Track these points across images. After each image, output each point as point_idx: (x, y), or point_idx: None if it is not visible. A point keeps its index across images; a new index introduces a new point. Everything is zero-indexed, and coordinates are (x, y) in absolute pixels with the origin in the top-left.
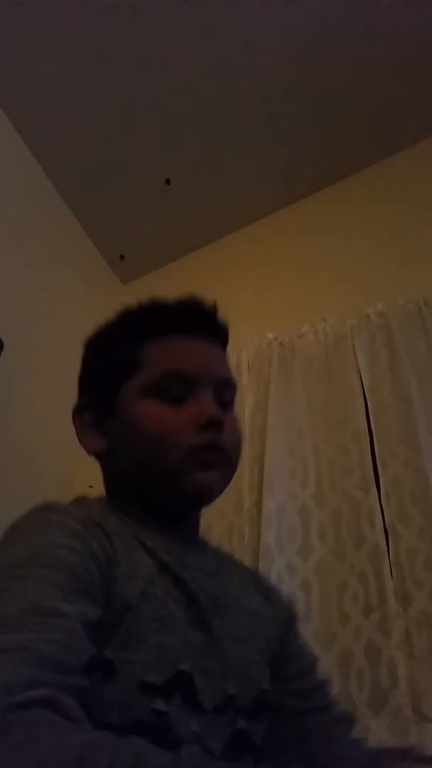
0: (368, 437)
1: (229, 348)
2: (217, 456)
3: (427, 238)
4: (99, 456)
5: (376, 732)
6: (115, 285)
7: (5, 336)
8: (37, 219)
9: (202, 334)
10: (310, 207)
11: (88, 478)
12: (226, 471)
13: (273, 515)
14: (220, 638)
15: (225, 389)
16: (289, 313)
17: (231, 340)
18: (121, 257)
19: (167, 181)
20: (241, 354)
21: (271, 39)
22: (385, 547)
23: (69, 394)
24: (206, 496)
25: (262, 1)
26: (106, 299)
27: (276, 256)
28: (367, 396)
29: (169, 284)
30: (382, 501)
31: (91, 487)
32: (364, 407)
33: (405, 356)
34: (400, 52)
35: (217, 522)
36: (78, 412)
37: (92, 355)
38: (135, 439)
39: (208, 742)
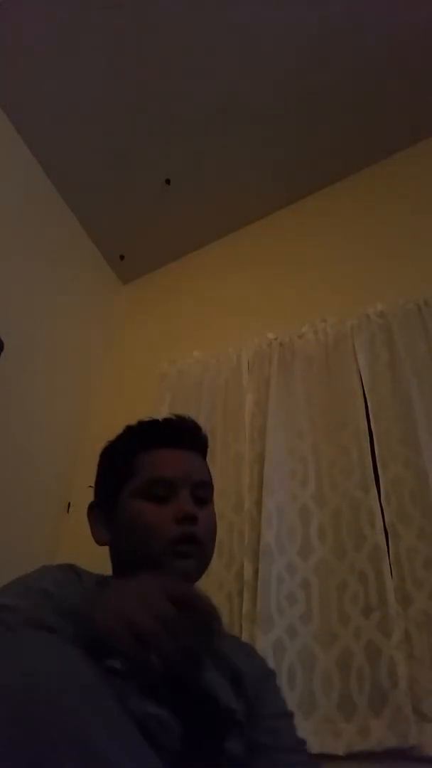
0: (368, 437)
1: (230, 348)
2: (192, 547)
3: (427, 238)
4: (108, 545)
5: (376, 732)
6: (115, 285)
7: (5, 336)
8: (37, 219)
9: (183, 446)
10: (310, 207)
11: (87, 478)
12: (200, 558)
13: (273, 515)
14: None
15: (200, 489)
16: (289, 313)
17: (231, 340)
18: (121, 257)
19: (167, 181)
20: (241, 354)
21: (271, 39)
22: (385, 547)
23: (69, 394)
24: (184, 579)
25: (263, 1)
26: (106, 299)
27: (276, 256)
28: (367, 396)
29: (169, 284)
30: (382, 501)
31: (90, 487)
32: (364, 407)
33: (405, 356)
34: (400, 53)
35: (217, 522)
36: (90, 510)
37: (101, 464)
38: (128, 531)
39: (164, 731)
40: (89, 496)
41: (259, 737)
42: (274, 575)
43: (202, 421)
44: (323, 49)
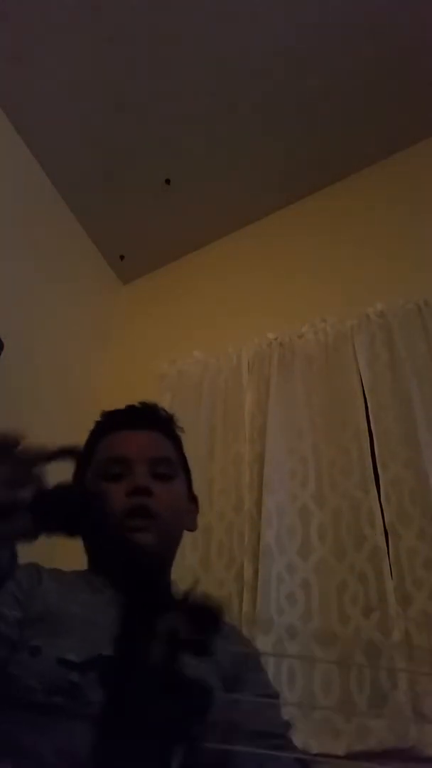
0: (368, 437)
1: (230, 348)
2: (145, 521)
3: (427, 238)
4: None
5: (376, 732)
6: (115, 285)
7: (5, 336)
8: (37, 219)
9: (139, 426)
10: (309, 207)
11: None
12: (159, 532)
13: (273, 515)
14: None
15: (160, 464)
16: (289, 313)
17: (231, 340)
18: (121, 257)
19: (167, 181)
20: (241, 354)
21: (271, 39)
22: (385, 547)
23: (69, 393)
24: (141, 555)
25: (262, 1)
26: (106, 299)
27: (276, 256)
28: (367, 396)
29: (169, 284)
30: (382, 501)
31: None
32: (364, 407)
33: (405, 356)
34: (400, 52)
35: (217, 522)
36: None
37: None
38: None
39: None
40: None
41: (238, 718)
42: (274, 575)
43: (202, 421)
44: (323, 49)
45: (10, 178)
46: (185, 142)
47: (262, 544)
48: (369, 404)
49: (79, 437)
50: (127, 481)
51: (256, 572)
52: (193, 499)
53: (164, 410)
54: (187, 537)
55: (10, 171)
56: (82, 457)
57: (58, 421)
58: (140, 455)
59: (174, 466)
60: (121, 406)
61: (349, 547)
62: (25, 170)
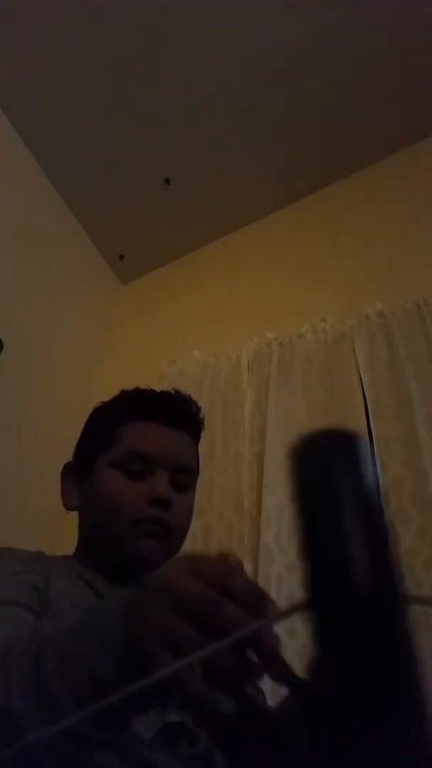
0: (368, 437)
1: (229, 348)
2: (159, 528)
3: (426, 238)
4: (77, 511)
5: None
6: (115, 285)
7: (5, 336)
8: (36, 219)
9: (172, 423)
10: (309, 207)
11: None
12: (167, 542)
13: (273, 515)
14: None
15: (182, 473)
16: (288, 312)
17: (231, 339)
18: (121, 257)
19: (167, 181)
20: (240, 354)
21: (270, 39)
22: None
23: (68, 393)
24: (144, 560)
25: (262, 1)
26: (106, 299)
27: (275, 256)
28: (366, 396)
29: (168, 284)
30: (382, 501)
31: None
32: (363, 407)
33: (405, 356)
34: (400, 52)
35: (217, 522)
36: (65, 470)
37: (86, 427)
38: (95, 500)
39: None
40: None
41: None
42: (274, 575)
43: None
44: (323, 49)
45: (10, 178)
46: (185, 142)
47: (261, 544)
48: (369, 404)
49: (78, 437)
50: (148, 483)
51: (255, 572)
52: None
53: (198, 408)
54: (187, 536)
55: (10, 171)
56: (102, 434)
57: (57, 421)
58: (166, 459)
59: (193, 478)
60: None
61: None
62: (24, 170)
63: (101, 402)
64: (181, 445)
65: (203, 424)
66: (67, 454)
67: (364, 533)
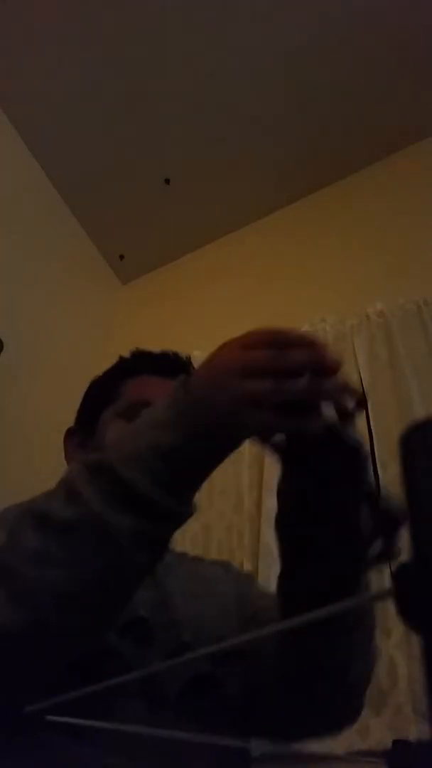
0: (368, 437)
1: None
2: None
3: (426, 238)
4: None
5: (375, 731)
6: (115, 285)
7: (5, 336)
8: (36, 219)
9: (170, 375)
10: (309, 207)
11: None
12: None
13: (273, 515)
14: (172, 595)
15: None
16: (288, 312)
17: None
18: (121, 257)
19: (167, 181)
20: None
21: (271, 39)
22: None
23: (68, 393)
24: None
25: (262, 1)
26: (106, 299)
27: (275, 256)
28: (366, 395)
29: (168, 284)
30: None
31: None
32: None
33: (405, 355)
34: (400, 53)
35: (217, 522)
36: (68, 434)
37: (87, 391)
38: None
39: (161, 683)
40: None
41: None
42: (274, 575)
43: None
44: (323, 50)
45: (9, 178)
46: (185, 142)
47: (261, 544)
48: (368, 404)
49: None
50: None
51: (255, 572)
52: None
53: (192, 365)
54: (186, 536)
55: (9, 171)
56: (103, 393)
57: (57, 421)
58: None
59: None
60: None
61: None
62: (24, 170)
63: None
64: None
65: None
66: None
67: None
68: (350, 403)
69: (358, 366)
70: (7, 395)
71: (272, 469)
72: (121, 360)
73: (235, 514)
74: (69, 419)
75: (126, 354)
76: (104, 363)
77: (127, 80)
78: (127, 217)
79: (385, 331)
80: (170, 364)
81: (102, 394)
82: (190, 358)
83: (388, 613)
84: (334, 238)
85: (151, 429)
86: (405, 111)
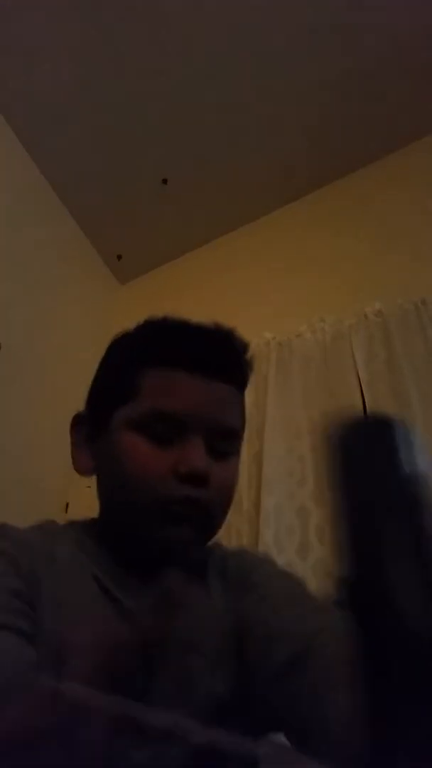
0: None
1: None
2: (192, 511)
3: (425, 238)
4: (93, 476)
5: None
6: (113, 285)
7: (3, 336)
8: (34, 219)
9: (206, 371)
10: (307, 206)
11: (85, 479)
12: (202, 526)
13: (271, 514)
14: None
15: (221, 437)
16: (286, 312)
17: None
18: (119, 257)
19: (164, 181)
20: None
21: (270, 39)
22: None
23: (66, 394)
24: (172, 552)
25: (263, 1)
26: (104, 299)
27: (273, 256)
28: (364, 395)
29: (166, 284)
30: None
31: (89, 487)
32: (362, 406)
33: (403, 355)
34: (400, 51)
35: None
36: (76, 424)
37: (103, 365)
38: (113, 471)
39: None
40: (88, 497)
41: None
42: None
43: None
44: (322, 49)
45: (7, 179)
46: (183, 142)
47: (260, 543)
48: (367, 403)
49: None
50: (178, 450)
51: None
52: None
53: (244, 346)
54: None
55: (7, 172)
56: (119, 381)
57: (55, 421)
58: (199, 420)
59: (238, 442)
60: None
61: None
62: (22, 171)
63: (123, 332)
64: (220, 401)
65: (252, 368)
66: (66, 455)
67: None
68: None
69: (357, 366)
70: (5, 396)
71: (271, 468)
72: (145, 331)
73: (234, 513)
74: (67, 419)
75: (157, 317)
76: None
77: (125, 81)
78: (124, 217)
79: (383, 331)
80: (203, 355)
81: (115, 384)
82: (238, 337)
83: None
84: (332, 238)
85: None
86: (405, 110)
